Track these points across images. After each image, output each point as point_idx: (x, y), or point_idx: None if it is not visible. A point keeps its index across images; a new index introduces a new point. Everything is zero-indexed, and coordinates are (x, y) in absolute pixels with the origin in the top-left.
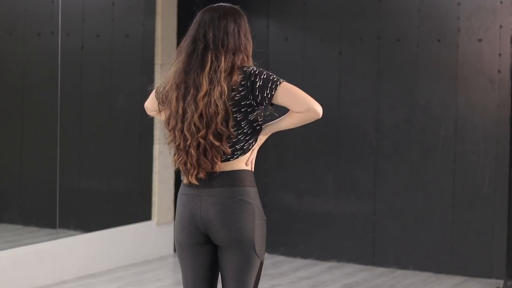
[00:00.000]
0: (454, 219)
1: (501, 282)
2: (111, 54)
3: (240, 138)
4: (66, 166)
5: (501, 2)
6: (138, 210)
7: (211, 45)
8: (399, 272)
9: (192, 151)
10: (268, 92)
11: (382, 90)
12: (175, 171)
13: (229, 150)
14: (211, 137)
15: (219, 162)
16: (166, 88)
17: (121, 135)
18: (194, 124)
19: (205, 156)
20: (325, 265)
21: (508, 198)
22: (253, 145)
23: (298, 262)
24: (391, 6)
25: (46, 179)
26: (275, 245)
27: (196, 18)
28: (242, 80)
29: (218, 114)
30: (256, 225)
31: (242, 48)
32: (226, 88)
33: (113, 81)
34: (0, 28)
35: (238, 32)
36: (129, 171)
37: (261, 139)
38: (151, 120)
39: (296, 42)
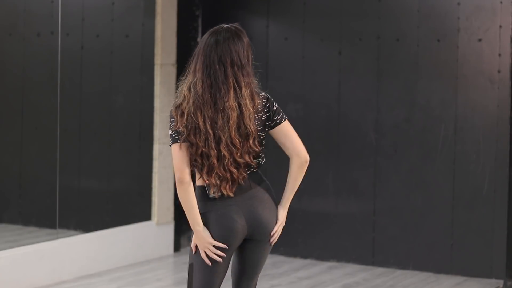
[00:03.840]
0: (454, 219)
1: (501, 282)
2: (111, 54)
3: (259, 154)
4: (66, 166)
5: (501, 2)
6: (138, 210)
7: (229, 69)
8: (399, 272)
9: (231, 168)
10: (278, 118)
11: (382, 90)
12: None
13: (255, 164)
14: (246, 156)
15: (246, 175)
16: (189, 107)
17: (121, 135)
18: (232, 144)
19: (238, 170)
20: (325, 265)
21: (508, 198)
22: (263, 159)
23: (298, 262)
24: (391, 6)
25: (46, 179)
26: (275, 245)
27: (205, 39)
28: (266, 103)
29: (250, 135)
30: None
31: (251, 68)
32: (253, 112)
33: (113, 81)
34: (0, 28)
35: (247, 53)
36: (129, 171)
37: (283, 215)
38: (151, 120)
39: (296, 42)
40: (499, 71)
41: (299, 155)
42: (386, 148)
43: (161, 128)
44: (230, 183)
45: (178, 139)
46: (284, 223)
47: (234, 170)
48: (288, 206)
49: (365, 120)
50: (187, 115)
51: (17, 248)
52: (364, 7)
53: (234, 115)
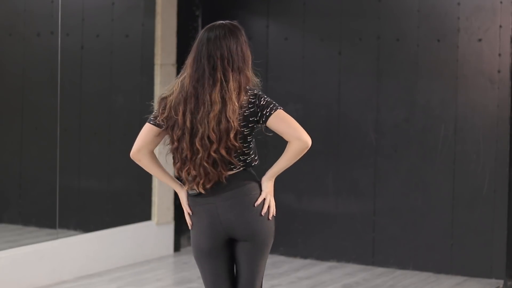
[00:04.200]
0: (453, 219)
1: (501, 282)
2: (110, 54)
3: (245, 151)
4: (66, 166)
5: (501, 2)
6: (138, 210)
7: (219, 65)
8: (399, 272)
9: (204, 163)
10: (267, 111)
11: (382, 90)
12: (175, 176)
13: (237, 162)
14: (223, 151)
15: (225, 173)
16: (173, 100)
17: (121, 135)
18: (208, 138)
19: (215, 168)
20: (325, 265)
21: (508, 198)
22: (254, 161)
23: (298, 262)
24: (391, 6)
25: (46, 179)
26: (275, 245)
27: (200, 35)
28: (252, 98)
29: (231, 130)
30: (265, 215)
31: (245, 64)
32: (237, 106)
33: (113, 81)
34: (0, 28)
35: (241, 49)
36: (129, 171)
37: (267, 186)
38: None
39: (296, 42)
40: (499, 71)
41: (300, 138)
42: (386, 148)
43: None
44: (204, 180)
45: (151, 120)
46: (270, 194)
47: (209, 167)
48: (273, 179)
49: (365, 120)
50: (169, 108)
51: (17, 248)
52: (364, 7)
53: (216, 108)
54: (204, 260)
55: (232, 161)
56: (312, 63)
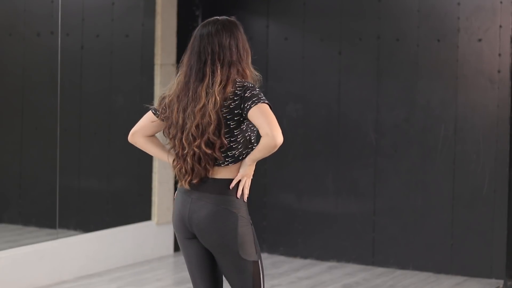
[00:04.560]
0: (454, 219)
1: (501, 282)
2: (110, 54)
3: (232, 145)
4: (66, 166)
5: (501, 2)
6: (138, 210)
7: (209, 60)
8: (399, 272)
9: (188, 159)
10: (248, 104)
11: (382, 90)
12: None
13: (222, 157)
14: (203, 146)
15: (211, 169)
16: (170, 99)
17: (121, 135)
18: (192, 134)
19: (199, 163)
20: (325, 265)
21: (508, 198)
22: (242, 155)
23: (298, 262)
24: (391, 6)
25: (46, 179)
26: (275, 245)
27: (195, 32)
28: (239, 90)
29: (211, 124)
30: (239, 233)
31: (239, 59)
32: (219, 99)
33: (113, 81)
34: (0, 27)
35: (235, 44)
36: (128, 171)
37: (246, 169)
38: None
39: (296, 42)
40: (499, 71)
41: (269, 134)
42: (386, 148)
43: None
44: (191, 177)
45: (152, 109)
46: (248, 176)
47: (195, 163)
48: (252, 164)
49: (365, 120)
50: (166, 107)
51: (17, 248)
52: (364, 7)
53: (201, 102)
54: (182, 248)
55: (216, 156)
56: (312, 63)
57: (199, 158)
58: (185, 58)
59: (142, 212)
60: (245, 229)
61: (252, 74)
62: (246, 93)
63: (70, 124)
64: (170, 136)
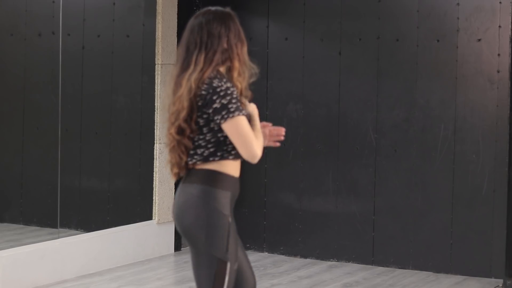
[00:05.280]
0: (453, 218)
1: (500, 281)
2: (111, 54)
3: (201, 143)
4: (67, 166)
5: (500, 2)
6: (139, 210)
7: (196, 50)
8: (399, 271)
9: (168, 148)
10: (219, 118)
11: (381, 90)
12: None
13: (191, 144)
14: (173, 131)
15: (185, 158)
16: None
17: (122, 134)
18: (170, 123)
19: (175, 152)
20: (325, 264)
21: (507, 197)
22: (215, 156)
23: (298, 261)
24: (390, 6)
25: (47, 179)
26: (275, 245)
27: (188, 23)
28: (205, 90)
29: (184, 110)
30: (209, 224)
31: (227, 49)
32: (194, 86)
33: (114, 81)
34: (1, 28)
35: (226, 34)
36: (130, 170)
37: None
38: (151, 119)
39: (296, 42)
40: (498, 71)
41: (244, 156)
42: (386, 148)
43: (162, 128)
44: (172, 166)
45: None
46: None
47: (172, 153)
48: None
49: (365, 120)
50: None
51: (18, 247)
52: (364, 7)
53: (180, 90)
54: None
55: (185, 142)
56: (312, 63)
57: (174, 147)
58: (178, 51)
59: (143, 212)
60: (218, 221)
61: (242, 67)
62: (214, 98)
63: (71, 124)
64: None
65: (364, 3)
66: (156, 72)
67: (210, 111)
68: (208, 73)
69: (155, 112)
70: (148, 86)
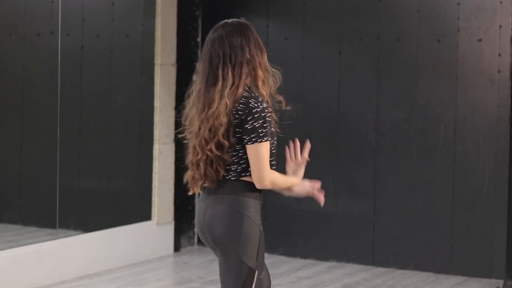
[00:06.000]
0: (453, 219)
1: (500, 282)
2: (111, 54)
3: (234, 160)
4: (66, 166)
5: (501, 2)
6: (138, 210)
7: (221, 63)
8: (399, 272)
9: (201, 164)
10: (247, 139)
11: (381, 90)
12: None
13: (230, 159)
14: (213, 147)
15: (222, 171)
16: (189, 109)
17: (121, 135)
18: (204, 139)
19: (211, 166)
20: (325, 265)
21: (508, 198)
22: (247, 171)
23: (298, 262)
24: (390, 6)
25: (46, 179)
26: (275, 245)
27: (207, 37)
28: (241, 110)
29: (221, 126)
30: (243, 232)
31: (250, 59)
32: (229, 102)
33: (113, 81)
34: (0, 28)
35: (247, 44)
36: (129, 171)
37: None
38: (151, 120)
39: (296, 42)
40: (499, 71)
41: (254, 179)
42: (386, 148)
43: (161, 128)
44: (203, 181)
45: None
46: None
47: (207, 167)
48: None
49: (365, 120)
50: (187, 118)
51: (17, 248)
52: (364, 7)
53: (214, 106)
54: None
55: (225, 157)
56: (312, 63)
57: (211, 162)
58: (199, 66)
59: (142, 212)
60: (251, 230)
61: (264, 74)
62: (248, 119)
63: (70, 124)
64: (191, 145)
65: (364, 2)
66: (155, 72)
67: (242, 130)
68: (242, 88)
69: (154, 113)
70: (147, 86)
